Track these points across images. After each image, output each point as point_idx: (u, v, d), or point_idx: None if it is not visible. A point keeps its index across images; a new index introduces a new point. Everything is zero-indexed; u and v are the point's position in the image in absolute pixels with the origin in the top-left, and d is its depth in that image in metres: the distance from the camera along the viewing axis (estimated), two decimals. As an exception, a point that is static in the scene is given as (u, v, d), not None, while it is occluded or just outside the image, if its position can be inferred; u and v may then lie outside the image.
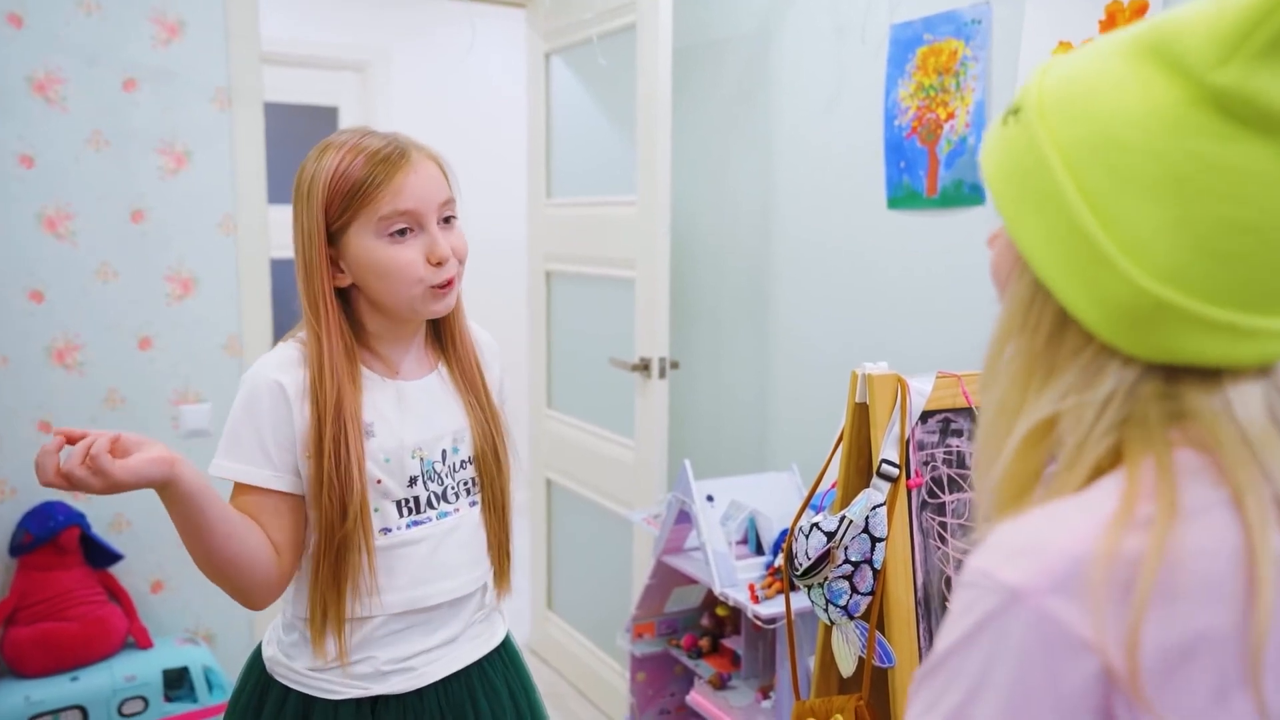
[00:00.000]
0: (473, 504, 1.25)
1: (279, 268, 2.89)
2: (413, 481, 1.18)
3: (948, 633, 0.55)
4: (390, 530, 1.17)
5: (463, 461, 1.23)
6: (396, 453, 1.17)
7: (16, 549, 2.27)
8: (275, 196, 2.68)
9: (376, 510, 1.16)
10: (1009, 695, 0.51)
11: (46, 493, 2.35)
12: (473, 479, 1.25)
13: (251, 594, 1.12)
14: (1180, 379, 0.57)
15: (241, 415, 1.14)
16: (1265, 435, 0.56)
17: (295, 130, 4.45)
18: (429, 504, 1.20)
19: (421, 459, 1.19)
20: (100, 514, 2.42)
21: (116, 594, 2.39)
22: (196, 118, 2.45)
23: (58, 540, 2.26)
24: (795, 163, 2.26)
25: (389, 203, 1.10)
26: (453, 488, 1.22)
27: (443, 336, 1.27)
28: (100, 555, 2.36)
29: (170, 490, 1.00)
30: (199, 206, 2.48)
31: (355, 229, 1.12)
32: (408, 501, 1.18)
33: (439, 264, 1.13)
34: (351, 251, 1.13)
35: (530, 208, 3.07)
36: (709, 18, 2.51)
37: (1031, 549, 0.53)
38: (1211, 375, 0.56)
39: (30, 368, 2.33)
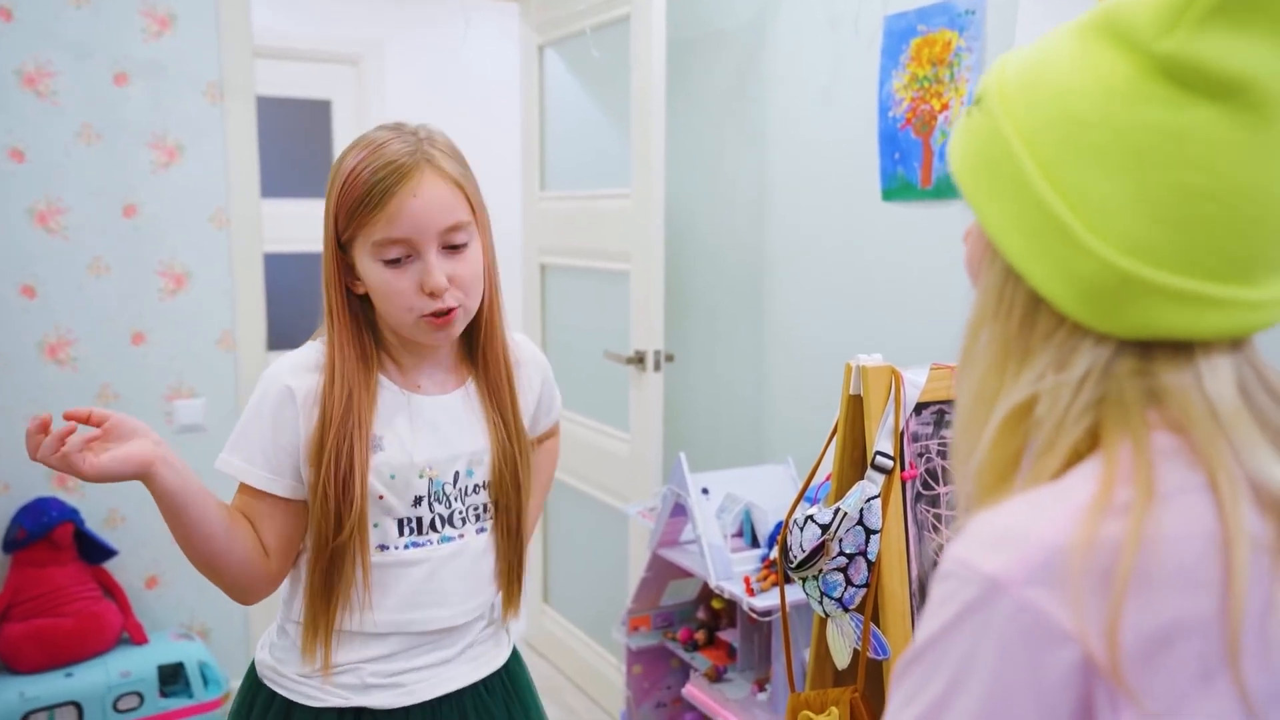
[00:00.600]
0: (480, 531, 1.20)
1: (274, 262, 2.88)
2: (418, 501, 1.14)
3: (928, 623, 0.55)
4: (387, 548, 1.13)
5: (476, 486, 1.18)
6: (403, 470, 1.13)
7: (10, 544, 2.27)
8: (268, 191, 2.67)
9: (376, 526, 1.13)
10: (990, 685, 0.51)
11: (41, 488, 2.35)
12: (485, 505, 1.20)
13: (238, 592, 1.11)
14: (1153, 355, 0.57)
15: (251, 414, 1.12)
16: (1235, 412, 0.56)
17: (289, 124, 4.44)
18: (432, 526, 1.16)
19: (430, 479, 1.14)
20: (95, 509, 2.41)
21: (111, 590, 2.38)
22: (188, 111, 2.44)
23: (52, 536, 2.26)
24: (789, 155, 2.26)
25: (383, 228, 1.06)
26: (460, 512, 1.17)
27: (474, 351, 1.21)
28: (94, 551, 2.36)
29: (149, 486, 0.99)
30: (191, 201, 2.47)
31: (359, 244, 1.09)
32: (409, 521, 1.14)
33: (431, 294, 1.08)
34: (358, 265, 1.10)
35: (524, 201, 3.06)
36: (703, 9, 2.50)
37: (1010, 538, 0.53)
38: (1183, 349, 0.56)
39: (23, 363, 2.32)
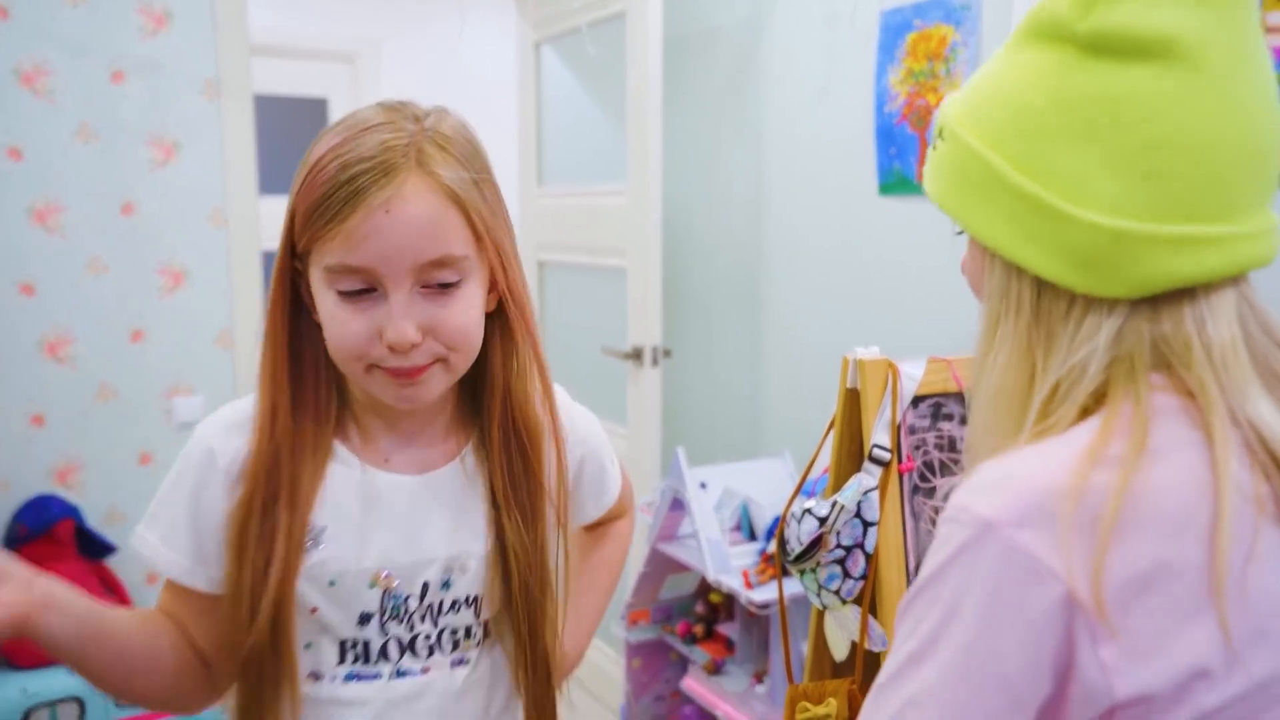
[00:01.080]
0: (459, 663, 0.89)
1: (272, 261, 2.89)
2: (364, 619, 0.85)
3: (929, 563, 0.59)
4: (321, 678, 0.86)
5: (455, 602, 0.88)
6: (347, 576, 0.84)
7: (11, 542, 2.28)
8: (263, 189, 2.68)
9: (309, 647, 0.85)
10: (980, 618, 0.55)
11: (40, 486, 2.36)
12: (468, 629, 0.89)
13: (176, 710, 0.88)
14: (1160, 309, 0.60)
15: (171, 482, 0.86)
16: (1232, 350, 0.59)
17: (284, 123, 4.44)
18: (383, 654, 0.86)
19: (386, 590, 0.85)
20: (95, 506, 2.42)
21: (112, 586, 2.39)
22: (185, 109, 2.45)
23: (53, 533, 2.26)
24: (786, 150, 2.27)
25: (339, 250, 0.77)
26: (427, 636, 0.87)
27: (482, 410, 0.90)
28: (95, 547, 2.36)
29: (35, 639, 0.74)
30: (189, 199, 2.48)
31: (313, 261, 0.80)
32: (353, 645, 0.86)
33: (391, 348, 0.78)
34: (311, 286, 0.82)
35: (522, 197, 3.07)
36: (699, 6, 2.51)
37: (1005, 483, 0.57)
38: (1187, 296, 0.60)
39: (21, 361, 2.33)
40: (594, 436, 1.03)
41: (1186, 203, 0.58)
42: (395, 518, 0.86)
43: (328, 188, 0.76)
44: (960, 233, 0.68)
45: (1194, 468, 0.56)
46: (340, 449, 0.86)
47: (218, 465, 0.83)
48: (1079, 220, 0.59)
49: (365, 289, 0.78)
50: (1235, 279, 0.61)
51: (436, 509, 0.88)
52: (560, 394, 0.98)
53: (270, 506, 0.81)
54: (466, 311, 0.81)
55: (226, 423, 0.86)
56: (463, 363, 0.83)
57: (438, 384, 0.82)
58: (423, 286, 0.79)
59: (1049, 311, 0.62)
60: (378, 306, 0.78)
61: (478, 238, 0.81)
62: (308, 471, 0.83)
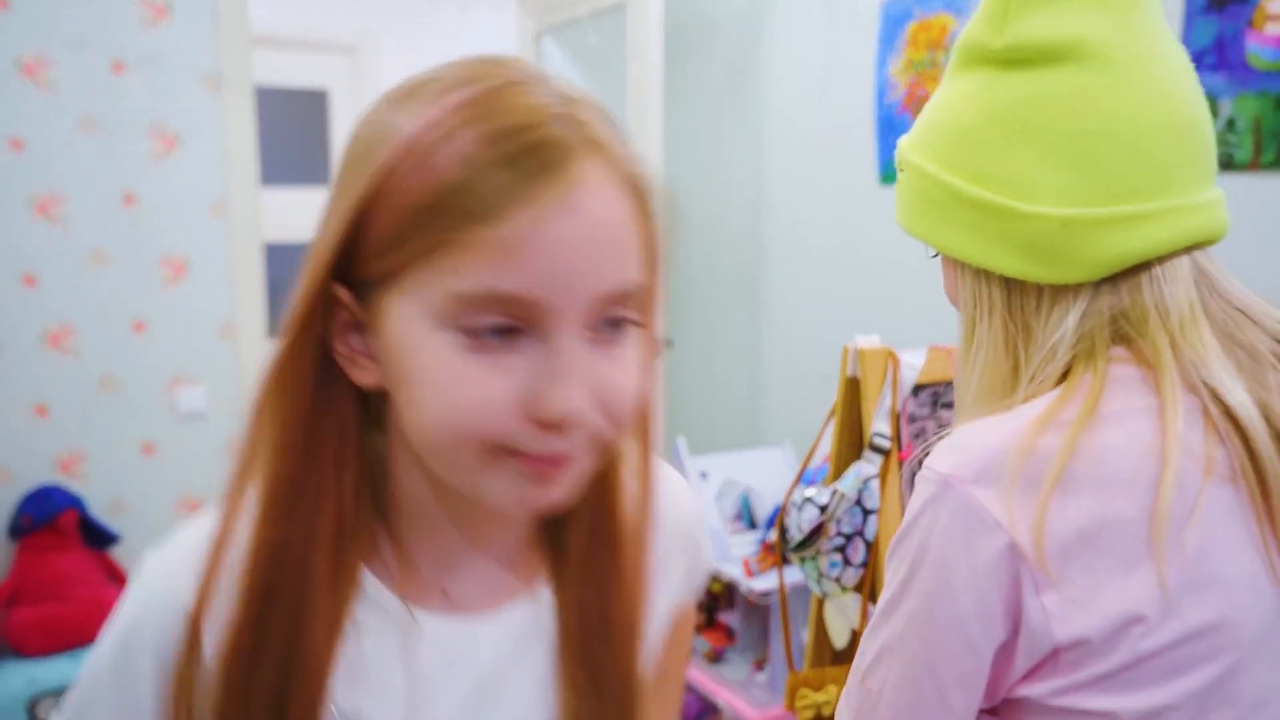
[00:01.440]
0: None
1: (275, 253, 2.89)
2: None
3: (905, 518, 0.64)
4: None
5: None
6: None
7: (16, 532, 2.29)
8: (266, 180, 2.69)
9: None
10: (937, 565, 0.61)
11: (44, 476, 2.37)
12: None
13: None
14: (1121, 285, 0.65)
15: (111, 652, 0.56)
16: (1189, 318, 0.64)
17: (284, 115, 4.43)
18: None
19: None
20: (98, 496, 2.43)
21: (115, 575, 2.41)
22: (186, 101, 2.45)
23: (56, 523, 2.28)
24: (787, 141, 2.27)
25: (479, 268, 0.47)
26: None
27: (565, 524, 0.60)
28: (98, 537, 2.38)
29: None
30: (190, 191, 2.48)
31: (403, 290, 0.49)
32: None
33: (549, 426, 0.49)
34: (387, 328, 0.51)
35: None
36: (700, -4, 2.51)
37: (966, 444, 0.62)
38: (1144, 270, 0.65)
39: (24, 353, 2.33)
40: (698, 518, 0.71)
41: (1123, 183, 0.63)
42: (462, 685, 0.57)
43: (465, 172, 0.47)
44: (935, 255, 0.74)
45: (1144, 432, 0.60)
46: (370, 581, 0.56)
47: (189, 617, 0.54)
48: (1029, 215, 0.64)
49: (511, 328, 0.49)
50: (1189, 250, 0.65)
51: (520, 660, 0.59)
52: (669, 480, 0.66)
53: (257, 679, 0.53)
54: (635, 370, 0.53)
55: (193, 556, 0.56)
56: (610, 446, 0.55)
57: (576, 479, 0.53)
58: (588, 327, 0.50)
59: (1021, 307, 0.67)
60: (527, 359, 0.49)
61: (651, 258, 0.55)
62: (323, 621, 0.53)
